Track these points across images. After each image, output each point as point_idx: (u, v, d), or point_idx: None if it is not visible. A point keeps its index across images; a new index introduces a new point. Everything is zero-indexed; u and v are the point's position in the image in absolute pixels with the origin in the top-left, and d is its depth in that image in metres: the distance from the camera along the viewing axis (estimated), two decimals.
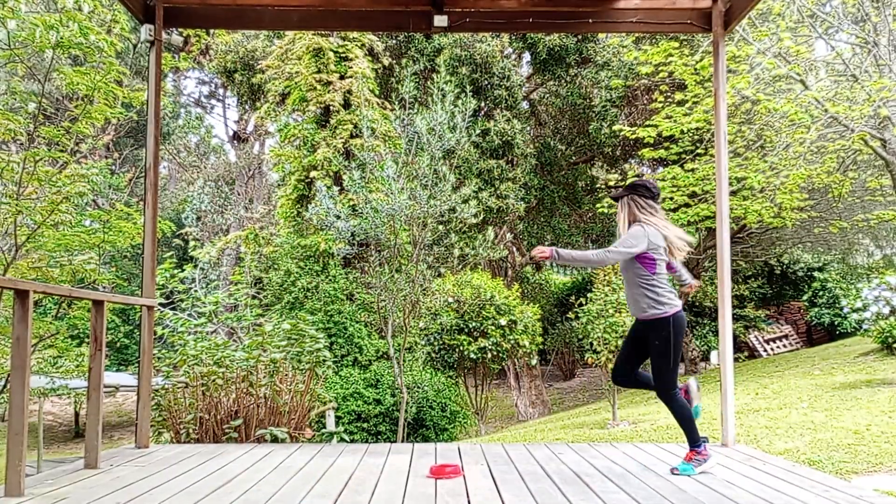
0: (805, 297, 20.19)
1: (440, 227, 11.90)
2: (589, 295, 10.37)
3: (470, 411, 14.34)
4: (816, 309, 19.63)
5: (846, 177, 12.83)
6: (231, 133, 31.09)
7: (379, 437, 12.49)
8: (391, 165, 10.33)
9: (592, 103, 19.08)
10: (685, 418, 4.26)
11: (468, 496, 3.67)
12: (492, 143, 17.78)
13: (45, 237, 7.52)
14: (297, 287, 14.22)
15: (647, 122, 12.99)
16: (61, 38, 6.86)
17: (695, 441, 4.26)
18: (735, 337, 17.36)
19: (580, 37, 18.56)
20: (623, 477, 4.16)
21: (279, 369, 6.55)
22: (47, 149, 7.81)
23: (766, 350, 19.54)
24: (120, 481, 4.10)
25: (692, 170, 12.66)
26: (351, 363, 13.83)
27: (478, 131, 12.05)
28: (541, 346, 16.04)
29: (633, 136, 13.56)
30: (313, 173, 14.86)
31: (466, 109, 10.47)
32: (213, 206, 24.52)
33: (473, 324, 13.19)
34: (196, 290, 10.30)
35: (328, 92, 15.22)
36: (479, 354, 13.12)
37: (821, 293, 19.59)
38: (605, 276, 10.29)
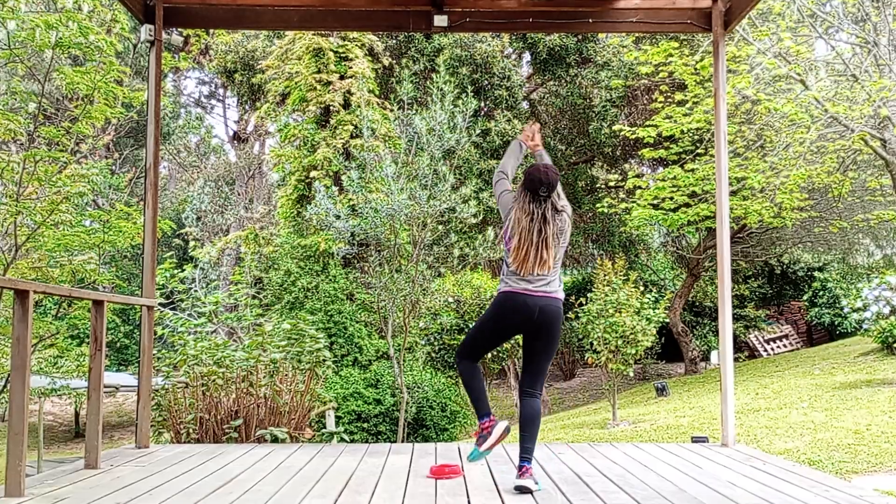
0: (805, 297, 20.19)
1: (440, 226, 11.91)
2: (589, 295, 10.37)
3: (470, 411, 14.34)
4: (816, 309, 19.63)
5: (846, 177, 12.83)
6: (231, 133, 31.09)
7: (379, 437, 12.49)
8: (391, 165, 10.33)
9: (592, 103, 19.08)
10: (465, 387, 4.04)
11: (468, 496, 3.67)
12: (492, 143, 17.78)
13: (45, 237, 7.52)
14: (297, 287, 14.22)
15: (647, 123, 12.98)
16: (61, 38, 6.86)
17: (480, 414, 3.97)
18: (735, 337, 17.34)
19: (580, 37, 18.55)
20: (623, 477, 4.16)
21: (279, 369, 6.55)
22: (47, 149, 7.81)
23: (766, 350, 19.54)
24: (120, 481, 4.10)
25: (692, 170, 12.66)
26: (351, 363, 13.82)
27: (478, 131, 12.05)
28: None
29: (633, 136, 13.56)
30: (313, 173, 14.85)
31: (466, 109, 10.47)
32: (213, 206, 24.52)
33: (473, 324, 13.18)
34: (196, 290, 10.30)
35: (328, 92, 15.21)
36: None
37: (821, 293, 19.59)
38: (605, 276, 10.29)
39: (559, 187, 3.92)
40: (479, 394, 3.95)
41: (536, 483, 3.78)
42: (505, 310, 3.92)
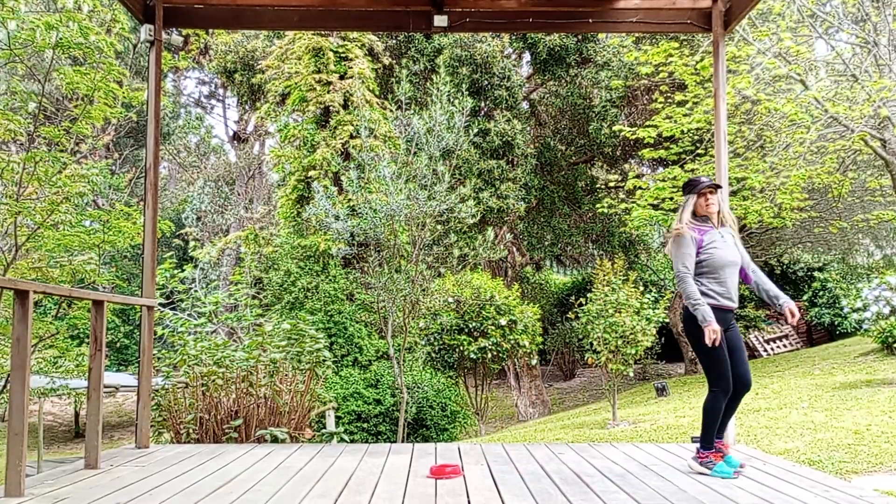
0: (805, 297, 20.20)
1: (439, 226, 11.91)
2: (589, 295, 10.36)
3: (470, 411, 14.34)
4: (816, 309, 19.63)
5: (846, 177, 12.83)
6: (231, 133, 31.09)
7: (379, 437, 12.49)
8: (389, 165, 10.33)
9: (592, 103, 19.07)
10: (703, 416, 4.31)
11: (468, 496, 3.67)
12: (492, 143, 17.78)
13: (45, 237, 7.52)
14: (297, 287, 14.22)
15: (648, 123, 12.98)
16: (61, 39, 6.86)
17: (704, 442, 4.30)
18: None
19: (580, 37, 18.55)
20: (623, 477, 4.16)
21: (279, 369, 6.55)
22: (47, 149, 7.81)
23: (766, 350, 19.55)
24: (120, 481, 4.10)
25: (692, 170, 12.66)
26: (351, 363, 13.82)
27: (478, 131, 12.05)
28: (541, 346, 16.03)
29: (633, 137, 13.56)
30: (313, 173, 14.86)
31: (465, 110, 10.47)
32: (213, 207, 24.53)
33: (473, 324, 13.18)
34: (196, 291, 10.31)
35: (328, 92, 15.21)
36: (479, 354, 13.11)
37: (821, 293, 19.59)
38: (604, 276, 10.28)
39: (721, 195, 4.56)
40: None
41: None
42: (694, 328, 4.35)
